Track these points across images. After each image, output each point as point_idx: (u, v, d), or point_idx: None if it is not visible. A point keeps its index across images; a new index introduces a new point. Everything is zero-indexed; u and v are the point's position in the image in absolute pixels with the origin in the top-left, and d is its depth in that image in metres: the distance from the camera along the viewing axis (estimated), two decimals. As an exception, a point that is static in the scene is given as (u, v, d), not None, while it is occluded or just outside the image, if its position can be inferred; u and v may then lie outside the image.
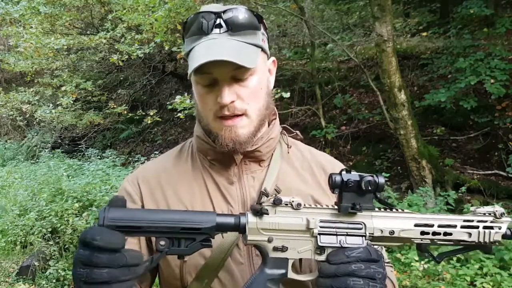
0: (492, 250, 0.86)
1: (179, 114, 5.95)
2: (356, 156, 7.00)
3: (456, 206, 4.81)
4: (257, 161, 1.02)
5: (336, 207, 0.82)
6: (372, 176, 0.79)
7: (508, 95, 5.63)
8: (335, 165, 1.11)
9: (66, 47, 8.11)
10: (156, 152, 8.37)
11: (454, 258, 4.06)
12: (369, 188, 0.78)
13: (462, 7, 6.41)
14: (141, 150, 9.97)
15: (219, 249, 0.92)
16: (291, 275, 0.81)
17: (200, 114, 0.99)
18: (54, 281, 4.53)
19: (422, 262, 3.97)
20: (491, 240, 0.83)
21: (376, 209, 0.82)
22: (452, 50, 6.68)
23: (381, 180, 0.79)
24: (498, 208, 0.84)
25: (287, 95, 5.33)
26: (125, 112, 8.56)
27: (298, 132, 1.11)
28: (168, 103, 6.45)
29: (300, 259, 0.83)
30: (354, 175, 0.79)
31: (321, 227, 0.80)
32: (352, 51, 7.42)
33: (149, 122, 8.08)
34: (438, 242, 0.84)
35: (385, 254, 1.11)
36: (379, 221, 0.82)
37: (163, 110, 9.18)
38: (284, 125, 1.10)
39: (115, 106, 8.68)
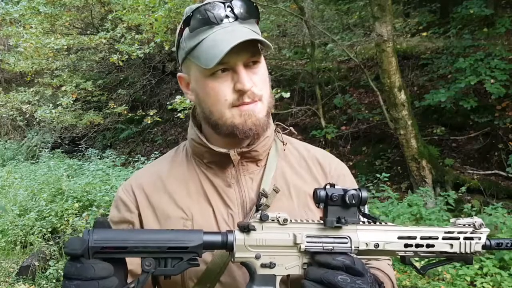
0: (472, 261, 0.87)
1: (179, 114, 5.95)
2: (356, 156, 7.00)
3: (456, 206, 4.81)
4: (254, 161, 1.01)
5: (321, 221, 0.82)
6: (356, 190, 0.79)
7: (508, 95, 5.62)
8: (331, 160, 1.10)
9: (66, 47, 8.11)
10: (156, 152, 8.37)
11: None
12: (353, 202, 0.79)
13: (462, 7, 6.41)
14: (141, 150, 9.97)
15: (221, 253, 0.91)
16: None
17: (209, 110, 0.94)
18: (54, 281, 4.53)
19: (422, 262, 3.97)
20: (472, 250, 0.84)
21: (361, 223, 0.83)
22: (452, 50, 6.68)
23: (364, 194, 0.80)
24: (477, 219, 0.86)
25: (287, 95, 5.33)
26: (125, 112, 8.57)
27: (292, 128, 1.10)
28: (168, 103, 6.45)
29: (288, 275, 0.83)
30: (338, 190, 0.80)
31: (308, 242, 0.80)
32: (352, 51, 7.42)
33: (149, 122, 8.08)
34: (421, 254, 0.85)
35: None
36: (364, 234, 0.82)
37: (163, 110, 9.18)
38: (278, 123, 1.09)
39: (115, 106, 8.68)
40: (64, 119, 8.49)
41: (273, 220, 0.80)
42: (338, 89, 7.73)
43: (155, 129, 10.26)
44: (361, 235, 0.82)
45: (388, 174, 5.32)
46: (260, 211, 0.82)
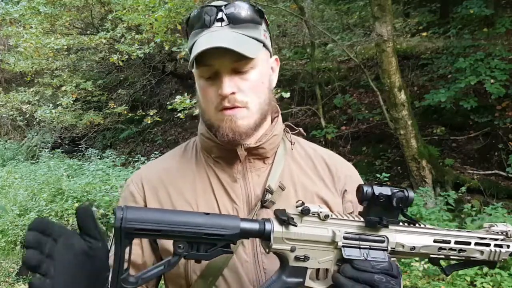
0: (496, 266, 0.89)
1: (179, 114, 5.95)
2: (356, 156, 7.00)
3: (456, 206, 4.81)
4: (261, 158, 1.02)
5: (361, 218, 0.81)
6: (403, 192, 0.77)
7: (508, 95, 5.62)
8: (338, 160, 1.11)
9: (66, 47, 8.12)
10: (156, 152, 8.36)
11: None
12: (400, 205, 0.77)
13: (462, 7, 6.40)
14: (141, 150, 9.97)
15: None
16: (308, 282, 0.81)
17: (203, 108, 0.99)
18: (54, 281, 4.53)
19: (422, 262, 3.97)
20: (500, 258, 0.85)
21: (400, 224, 0.82)
22: (452, 50, 6.68)
23: (411, 195, 0.78)
24: (510, 227, 0.86)
25: (287, 95, 5.33)
26: (125, 112, 8.57)
27: (301, 129, 1.12)
28: (168, 103, 6.45)
29: (319, 269, 0.82)
30: (386, 189, 0.78)
31: (345, 238, 0.79)
32: (352, 51, 7.42)
33: (149, 122, 8.08)
34: (451, 257, 0.85)
35: None
36: (401, 236, 0.82)
37: (163, 110, 9.17)
38: (287, 123, 1.11)
39: (115, 106, 8.67)
40: (64, 119, 8.49)
41: (314, 215, 0.79)
42: (338, 89, 7.73)
43: (155, 129, 10.26)
44: (399, 236, 0.81)
45: (388, 174, 5.32)
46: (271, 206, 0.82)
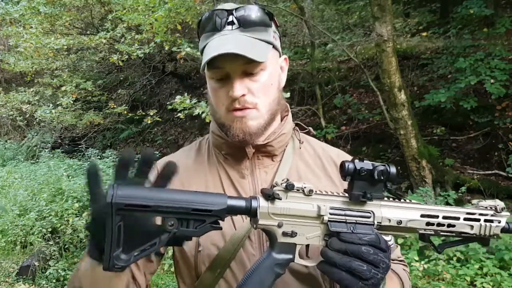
0: (490, 243, 0.89)
1: (179, 114, 5.93)
2: (356, 156, 6.99)
3: (456, 206, 4.81)
4: (270, 155, 1.05)
5: (346, 194, 0.82)
6: (384, 166, 0.79)
7: (508, 95, 5.62)
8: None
9: (66, 47, 8.11)
10: (156, 152, 8.29)
11: (454, 258, 4.06)
12: (381, 177, 0.79)
13: (462, 7, 6.41)
14: (141, 150, 9.94)
15: (232, 240, 0.95)
16: (298, 260, 0.82)
17: (214, 108, 1.02)
18: (54, 281, 4.53)
19: (422, 262, 3.98)
20: (491, 233, 0.85)
21: (385, 199, 0.83)
22: (452, 50, 6.68)
23: (393, 170, 0.80)
24: (499, 203, 0.86)
25: (287, 95, 5.29)
26: (125, 112, 8.56)
27: (310, 128, 1.14)
28: (168, 103, 6.44)
29: (307, 245, 0.84)
30: (367, 164, 0.80)
31: (331, 214, 0.81)
32: (352, 51, 7.42)
33: (149, 122, 8.07)
34: (441, 233, 0.86)
35: (398, 251, 1.12)
36: (387, 211, 0.83)
37: (163, 110, 9.17)
38: (297, 122, 1.14)
39: (115, 106, 8.67)
40: (64, 119, 8.48)
41: (298, 190, 0.80)
42: (338, 89, 7.73)
43: (155, 129, 10.26)
44: (385, 211, 0.83)
45: (388, 174, 5.31)
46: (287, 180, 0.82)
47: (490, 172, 5.77)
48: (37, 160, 9.42)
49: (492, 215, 0.86)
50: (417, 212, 0.84)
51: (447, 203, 4.73)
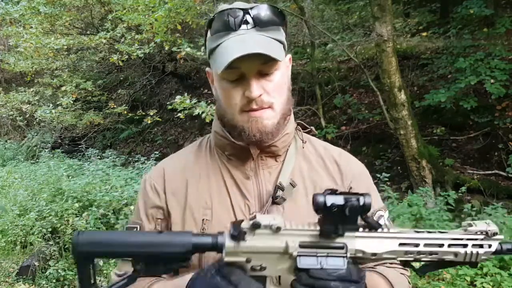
0: (477, 265, 0.83)
1: (179, 114, 5.93)
2: (356, 156, 6.87)
3: (456, 206, 4.81)
4: (273, 156, 1.05)
5: (317, 227, 0.78)
6: (358, 200, 0.73)
7: (508, 95, 5.62)
8: (348, 159, 1.14)
9: (66, 47, 8.11)
10: (156, 152, 8.36)
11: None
12: (353, 214, 0.74)
13: (462, 7, 6.40)
14: (141, 150, 9.97)
15: None
16: None
17: (224, 109, 1.00)
18: (54, 281, 4.53)
19: (422, 263, 3.97)
20: (478, 259, 0.80)
21: (361, 229, 0.78)
22: (452, 50, 6.68)
23: (368, 200, 0.73)
24: (492, 227, 0.80)
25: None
26: (125, 112, 8.56)
27: (312, 128, 1.14)
28: (168, 103, 6.45)
29: (279, 276, 0.82)
30: (339, 199, 0.73)
31: (302, 247, 0.77)
32: (352, 51, 7.42)
33: (149, 122, 8.08)
34: (422, 259, 0.82)
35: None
36: (362, 242, 0.78)
37: (163, 110, 9.18)
38: (299, 121, 1.13)
39: (115, 106, 8.67)
40: (64, 119, 8.49)
41: (266, 227, 0.77)
42: (338, 89, 7.73)
43: (155, 129, 10.26)
44: (359, 242, 0.78)
45: (388, 174, 5.31)
46: (278, 200, 0.82)
47: (490, 172, 5.77)
48: (37, 160, 9.42)
49: (482, 239, 0.79)
50: (395, 242, 0.79)
51: (447, 203, 4.73)
